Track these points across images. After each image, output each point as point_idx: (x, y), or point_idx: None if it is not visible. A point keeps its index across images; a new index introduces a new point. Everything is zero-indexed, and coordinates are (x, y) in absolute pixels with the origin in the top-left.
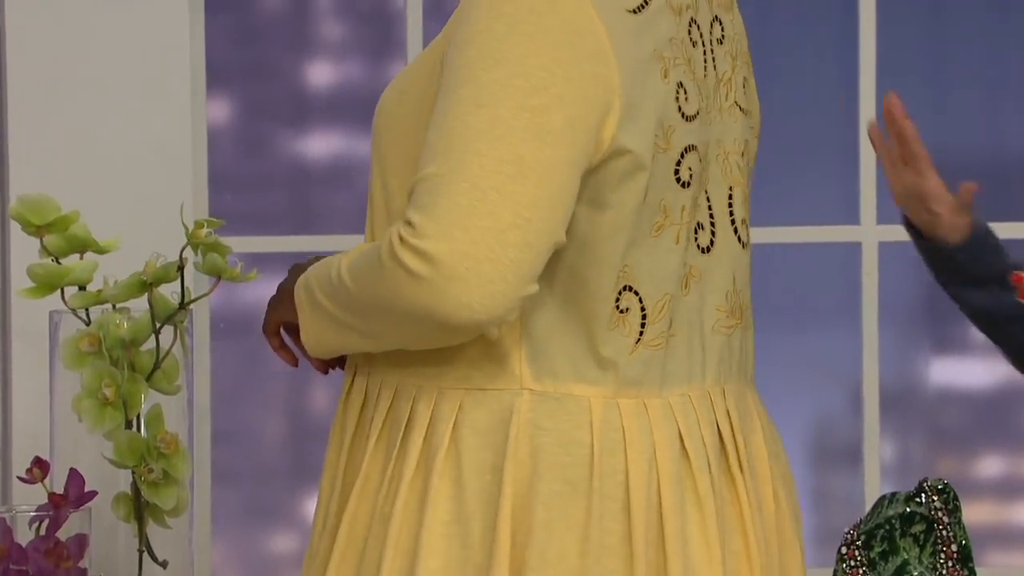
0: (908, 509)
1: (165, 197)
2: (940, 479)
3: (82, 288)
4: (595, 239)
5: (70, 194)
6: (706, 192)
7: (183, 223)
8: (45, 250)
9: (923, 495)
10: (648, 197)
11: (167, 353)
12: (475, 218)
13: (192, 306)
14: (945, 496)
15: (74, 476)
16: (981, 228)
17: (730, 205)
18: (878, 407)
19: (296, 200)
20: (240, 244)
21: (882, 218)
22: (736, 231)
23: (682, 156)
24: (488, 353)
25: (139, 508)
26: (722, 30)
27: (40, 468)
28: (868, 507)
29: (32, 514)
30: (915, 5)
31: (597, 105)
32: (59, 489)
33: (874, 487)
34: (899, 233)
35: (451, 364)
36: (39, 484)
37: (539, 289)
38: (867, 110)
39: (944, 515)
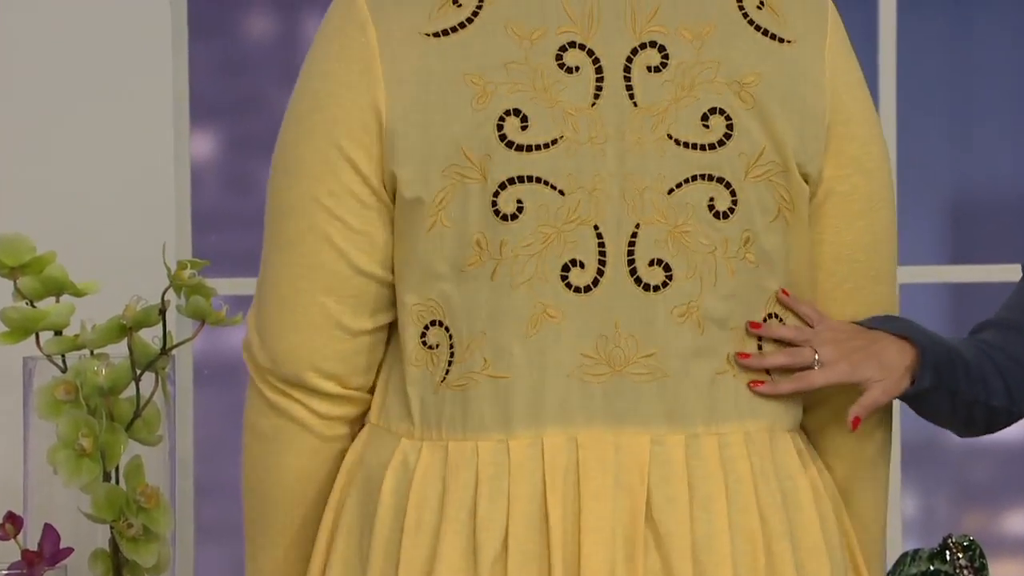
0: (932, 567)
1: (146, 236)
2: (965, 535)
3: (58, 333)
4: (397, 271)
5: (46, 234)
6: (596, 228)
7: (165, 264)
8: (19, 293)
9: (948, 552)
10: (447, 229)
11: (148, 401)
12: (263, 275)
13: (174, 352)
14: (971, 553)
15: (49, 532)
16: (927, 373)
17: (631, 244)
18: (899, 458)
19: None
20: (225, 286)
21: (903, 259)
22: (634, 272)
23: (503, 187)
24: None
25: (118, 566)
26: (664, 57)
27: (13, 523)
28: (890, 565)
29: (4, 573)
30: (937, 34)
31: (351, 135)
32: (33, 546)
33: (896, 543)
34: (920, 275)
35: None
36: (12, 540)
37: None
38: (887, 140)
39: (970, 573)
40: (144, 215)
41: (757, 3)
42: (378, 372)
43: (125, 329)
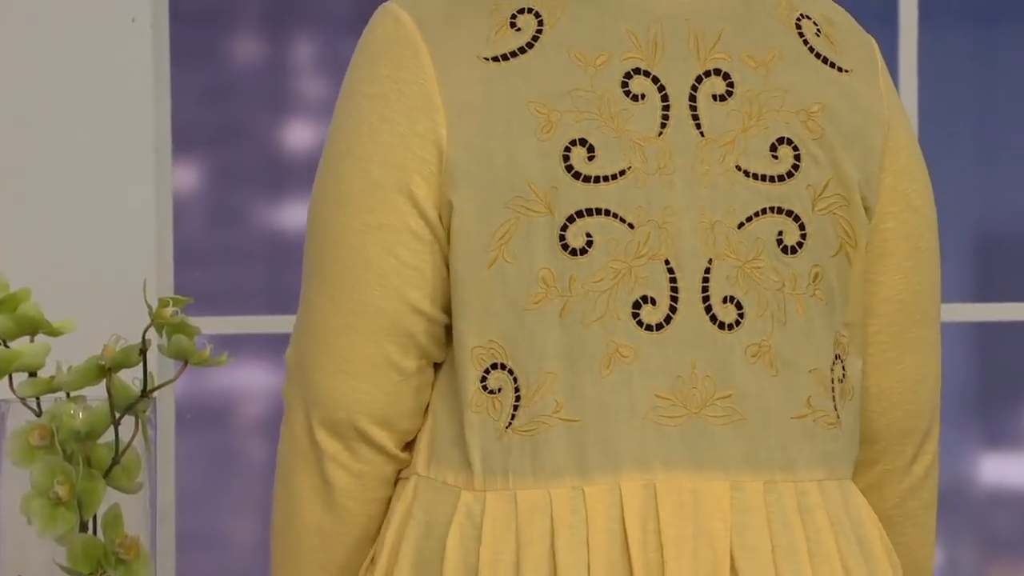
0: None
1: (126, 273)
2: None
3: (32, 374)
4: (454, 311)
5: (19, 269)
6: (667, 263)
7: (146, 301)
8: None
9: None
10: (509, 266)
11: (127, 447)
12: (305, 311)
13: (156, 394)
14: None
15: None
16: None
17: (706, 280)
18: None
19: (273, 276)
20: (210, 325)
21: None
22: (710, 310)
23: (571, 220)
24: (415, 439)
25: None
26: (729, 85)
27: None
28: None
29: None
30: (960, 55)
31: (408, 163)
32: None
33: None
34: (944, 313)
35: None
36: None
37: (439, 367)
38: None
39: None
40: (123, 249)
41: (815, 31)
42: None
43: (103, 370)
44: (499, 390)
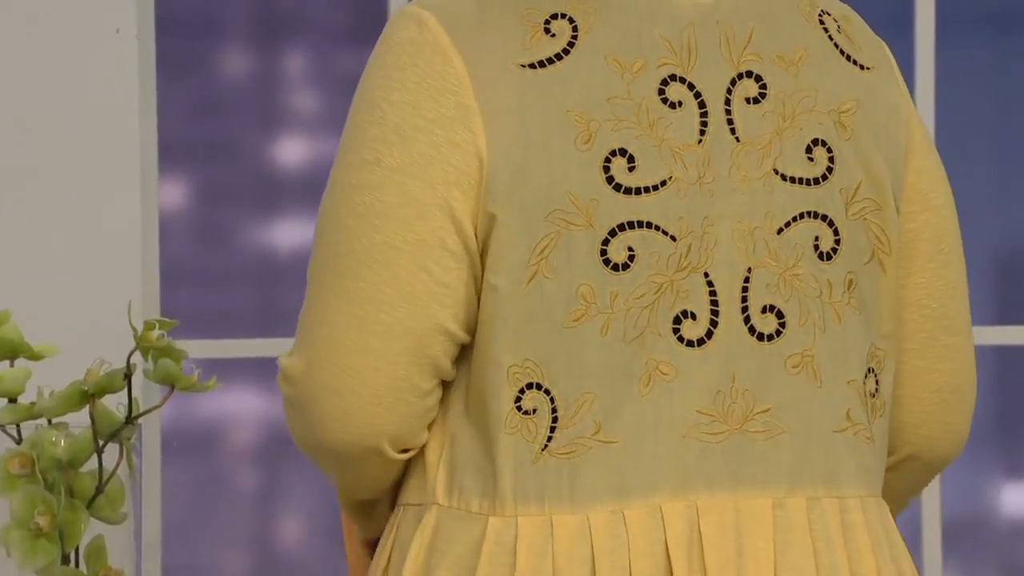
0: None
1: (110, 294)
2: None
3: (12, 400)
4: (481, 329)
5: (0, 291)
6: (706, 275)
7: (131, 324)
8: None
9: None
10: (548, 281)
11: (111, 476)
12: (318, 325)
13: (141, 421)
14: None
15: None
16: None
17: (744, 290)
18: (940, 539)
19: (264, 297)
20: (198, 348)
21: None
22: (748, 321)
23: (612, 234)
24: (418, 464)
25: None
26: (762, 87)
27: None
28: None
29: None
30: (977, 62)
31: (447, 176)
32: None
33: None
34: None
35: (403, 478)
36: None
37: (453, 387)
38: None
39: None
40: (108, 269)
41: (836, 27)
42: (431, 445)
43: (87, 396)
44: (534, 411)
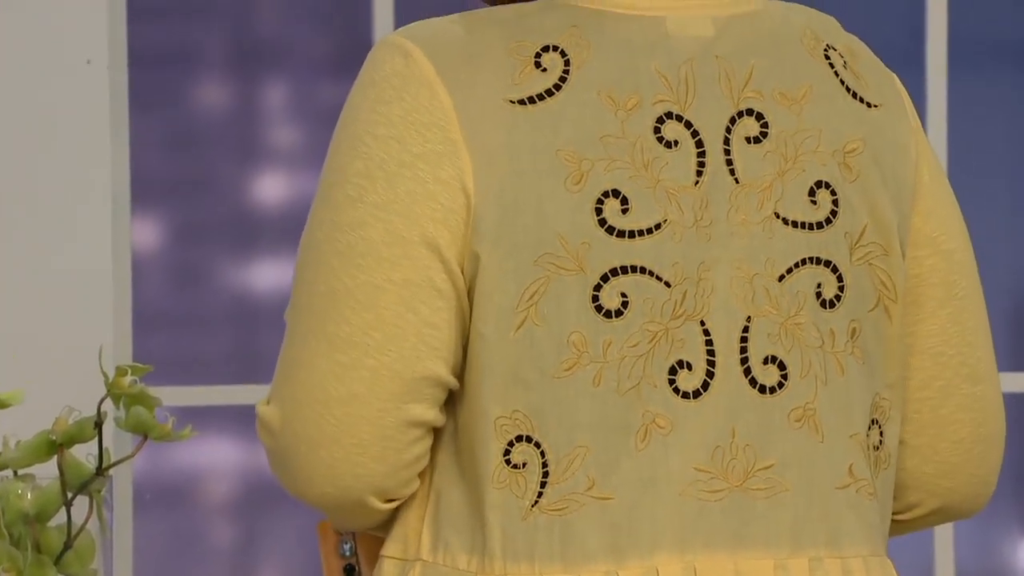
0: None
1: (80, 338)
2: None
3: None
4: (469, 377)
5: None
6: (702, 323)
7: (102, 370)
8: None
9: None
10: (537, 329)
11: (80, 530)
12: (296, 371)
13: (112, 472)
14: None
15: None
16: None
17: (743, 340)
18: None
19: (241, 342)
20: (172, 395)
21: None
22: (749, 372)
23: (604, 280)
24: (402, 515)
25: None
26: (763, 126)
27: None
28: None
29: None
30: (991, 96)
31: (433, 213)
32: None
33: None
34: None
35: (384, 530)
36: None
37: (440, 437)
38: None
39: None
40: (77, 313)
41: (843, 63)
42: (415, 500)
43: (55, 446)
44: (524, 465)
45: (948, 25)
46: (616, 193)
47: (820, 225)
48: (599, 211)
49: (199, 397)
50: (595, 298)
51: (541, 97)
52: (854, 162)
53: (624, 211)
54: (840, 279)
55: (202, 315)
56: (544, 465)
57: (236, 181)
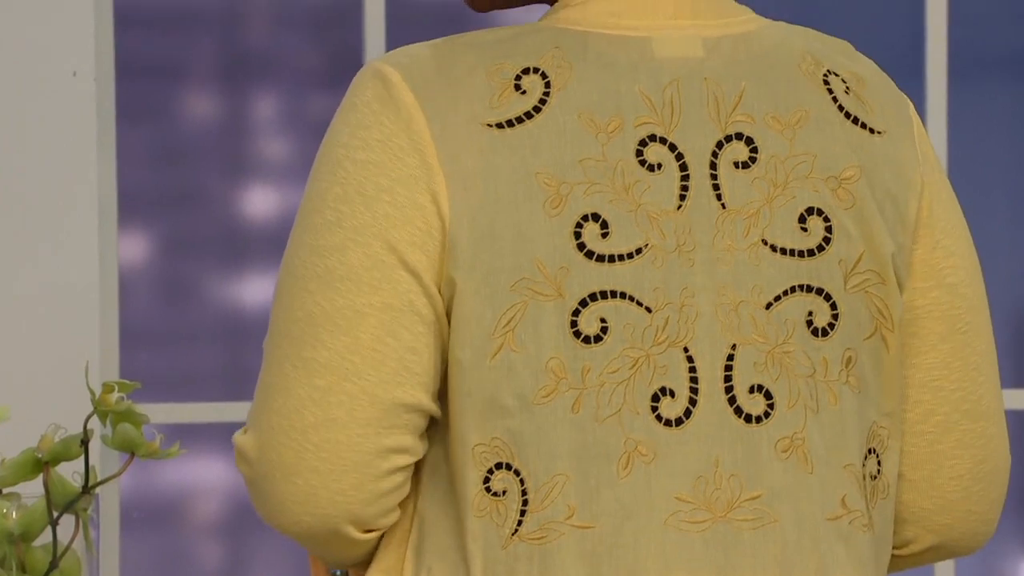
0: None
1: (66, 354)
2: None
3: None
4: (448, 404)
5: None
6: (686, 350)
7: (88, 387)
8: None
9: None
10: (515, 355)
11: (66, 549)
12: (273, 398)
13: (98, 490)
14: None
15: None
16: None
17: (728, 368)
18: None
19: (230, 358)
20: (159, 413)
21: None
22: (734, 401)
23: (583, 305)
24: (386, 542)
25: None
26: (752, 150)
27: None
28: None
29: None
30: (992, 108)
31: (412, 237)
32: None
33: None
34: None
35: (364, 560)
36: None
37: (423, 464)
38: None
39: None
40: (63, 328)
41: (844, 88)
42: (398, 527)
43: (40, 464)
44: (504, 493)
45: (948, 36)
46: (596, 217)
47: (811, 252)
48: (578, 235)
49: (187, 414)
50: (573, 323)
51: (520, 120)
52: (850, 189)
53: (604, 235)
54: (834, 307)
55: (190, 331)
56: (524, 493)
57: (225, 194)
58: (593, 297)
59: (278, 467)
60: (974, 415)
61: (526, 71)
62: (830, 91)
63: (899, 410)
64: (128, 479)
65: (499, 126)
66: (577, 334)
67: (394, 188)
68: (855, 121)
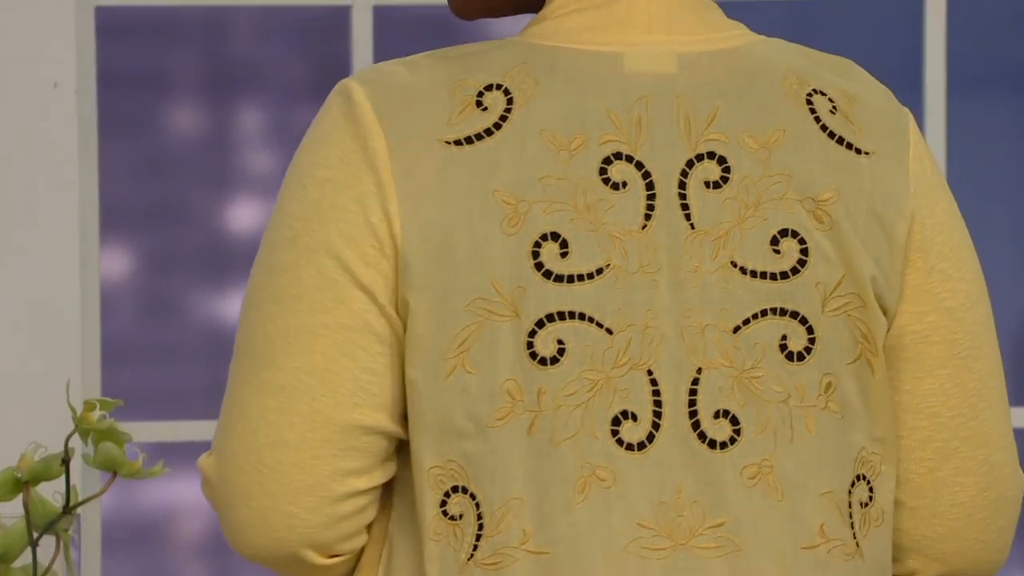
0: None
1: (46, 372)
2: None
3: None
4: (410, 425)
5: None
6: (649, 372)
7: (69, 404)
8: None
9: None
10: (470, 376)
11: (47, 571)
12: (233, 421)
13: (80, 510)
14: None
15: None
16: None
17: (693, 392)
18: None
19: (213, 376)
20: (142, 431)
21: None
22: (698, 426)
23: (540, 325)
24: (360, 564)
25: None
26: (724, 170)
27: None
28: None
29: None
30: (992, 121)
31: (365, 257)
32: None
33: None
34: None
35: None
36: None
37: (393, 487)
38: None
39: None
40: (44, 345)
41: (830, 107)
42: (370, 550)
43: (20, 483)
44: (460, 516)
45: (947, 49)
46: (555, 236)
47: (785, 275)
48: (536, 255)
49: (171, 432)
50: (530, 344)
51: (479, 137)
52: (828, 210)
53: (563, 255)
54: (810, 331)
55: (174, 347)
56: (479, 517)
57: (209, 208)
58: (551, 318)
59: (236, 490)
60: (975, 442)
61: (489, 87)
62: (812, 110)
63: (892, 435)
64: (110, 499)
65: (457, 143)
66: (533, 355)
67: (348, 206)
68: (840, 141)
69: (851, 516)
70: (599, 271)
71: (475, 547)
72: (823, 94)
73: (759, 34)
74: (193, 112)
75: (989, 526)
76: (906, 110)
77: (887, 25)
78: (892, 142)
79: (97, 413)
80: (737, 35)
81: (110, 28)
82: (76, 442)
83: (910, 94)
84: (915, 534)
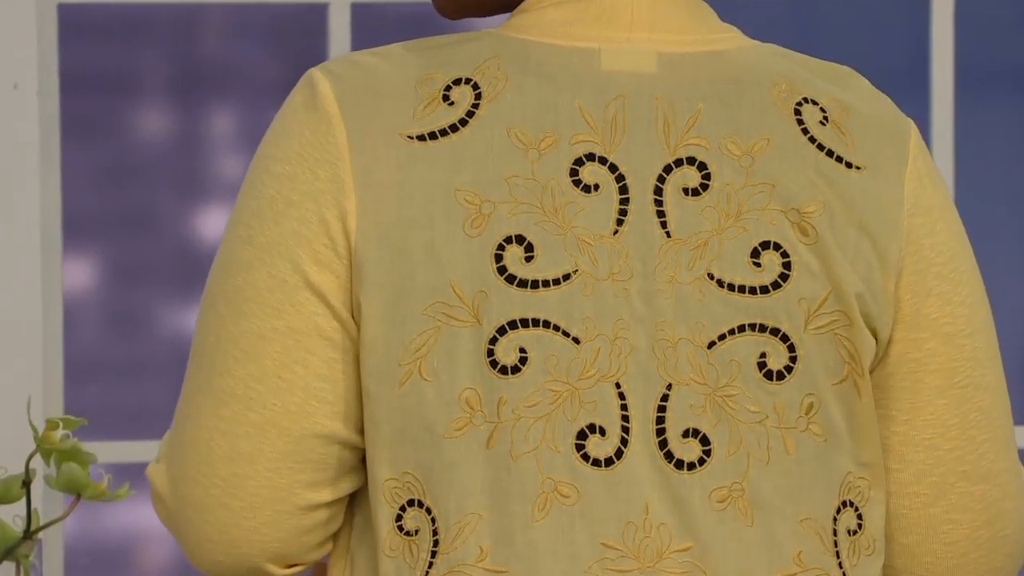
0: None
1: (7, 389)
2: None
3: None
4: (365, 435)
5: None
6: (618, 386)
7: (31, 423)
8: None
9: None
10: (426, 385)
11: None
12: (185, 428)
13: (42, 535)
14: None
15: None
16: None
17: (661, 409)
18: None
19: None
20: (107, 451)
21: None
22: (666, 445)
23: (501, 332)
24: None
25: None
26: (705, 177)
27: None
28: None
29: None
30: (1001, 124)
31: (317, 256)
32: None
33: None
34: None
35: None
36: None
37: (355, 499)
38: None
39: None
40: (3, 362)
41: (820, 118)
42: (336, 563)
43: None
44: (416, 532)
45: (954, 51)
46: (520, 239)
47: (765, 289)
48: (499, 258)
49: (137, 453)
50: (490, 352)
51: (444, 133)
52: (813, 223)
53: (528, 259)
54: (792, 349)
55: (141, 363)
56: (435, 532)
57: (178, 217)
58: (513, 325)
59: (189, 502)
60: (972, 477)
61: (457, 81)
62: (800, 120)
63: (879, 459)
64: (73, 523)
65: (420, 138)
66: (494, 364)
67: (303, 203)
68: (829, 153)
69: (836, 544)
70: (566, 277)
71: (430, 564)
72: (815, 103)
73: (761, 35)
74: (161, 115)
75: (988, 566)
76: (909, 121)
77: (894, 26)
78: (888, 155)
79: (60, 432)
80: (727, 38)
81: (73, 26)
82: (38, 463)
83: (917, 94)
84: (906, 573)
